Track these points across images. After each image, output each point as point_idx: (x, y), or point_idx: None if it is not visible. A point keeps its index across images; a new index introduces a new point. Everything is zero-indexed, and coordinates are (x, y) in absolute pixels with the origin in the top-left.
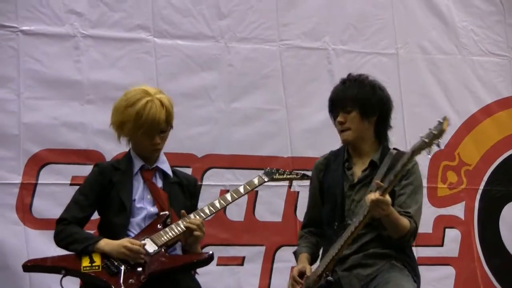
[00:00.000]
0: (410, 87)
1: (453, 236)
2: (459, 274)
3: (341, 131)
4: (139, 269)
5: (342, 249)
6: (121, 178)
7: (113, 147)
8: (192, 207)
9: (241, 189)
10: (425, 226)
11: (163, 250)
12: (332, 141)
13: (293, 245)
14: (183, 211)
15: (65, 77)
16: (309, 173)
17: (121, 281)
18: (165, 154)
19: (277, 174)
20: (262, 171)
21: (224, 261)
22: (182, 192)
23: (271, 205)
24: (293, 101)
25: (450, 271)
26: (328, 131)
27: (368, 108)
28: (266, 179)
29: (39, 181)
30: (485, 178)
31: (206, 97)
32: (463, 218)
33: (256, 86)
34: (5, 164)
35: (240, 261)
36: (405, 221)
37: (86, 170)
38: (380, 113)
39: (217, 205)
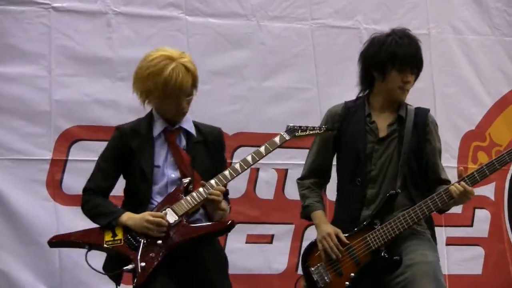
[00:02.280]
0: (442, 68)
1: (482, 216)
2: (488, 254)
3: (400, 89)
4: (159, 241)
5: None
6: (141, 143)
7: None
8: (218, 162)
9: (262, 150)
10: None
11: (184, 220)
12: None
13: None
14: (202, 181)
15: (96, 54)
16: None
17: (139, 255)
18: None
19: (299, 131)
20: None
21: (253, 239)
22: (206, 151)
23: None
24: (324, 80)
25: (479, 251)
26: None
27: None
28: (288, 137)
29: (70, 158)
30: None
31: (238, 76)
32: (493, 199)
33: (287, 65)
34: (36, 140)
35: (269, 239)
36: None
37: None
38: None
39: (238, 168)
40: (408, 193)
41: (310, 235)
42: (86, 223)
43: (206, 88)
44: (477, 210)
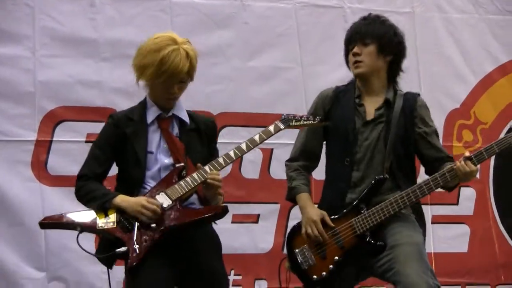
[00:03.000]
0: (426, 46)
1: (468, 194)
2: (474, 232)
3: (354, 63)
4: (153, 225)
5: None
6: (135, 129)
7: (129, 104)
8: (211, 151)
9: (257, 138)
10: None
11: (177, 204)
12: None
13: None
14: (199, 164)
15: (80, 35)
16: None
17: (134, 238)
18: None
19: (293, 121)
20: (279, 119)
21: (239, 219)
22: (199, 139)
23: None
24: (308, 59)
25: (465, 229)
26: None
27: (386, 45)
28: (282, 127)
29: (54, 138)
30: (501, 136)
31: (222, 55)
32: (478, 177)
33: (271, 44)
34: (21, 121)
35: (255, 219)
36: None
37: (101, 127)
38: (395, 55)
39: (232, 155)
40: (393, 178)
41: (296, 214)
42: (71, 204)
43: None
44: (462, 188)
